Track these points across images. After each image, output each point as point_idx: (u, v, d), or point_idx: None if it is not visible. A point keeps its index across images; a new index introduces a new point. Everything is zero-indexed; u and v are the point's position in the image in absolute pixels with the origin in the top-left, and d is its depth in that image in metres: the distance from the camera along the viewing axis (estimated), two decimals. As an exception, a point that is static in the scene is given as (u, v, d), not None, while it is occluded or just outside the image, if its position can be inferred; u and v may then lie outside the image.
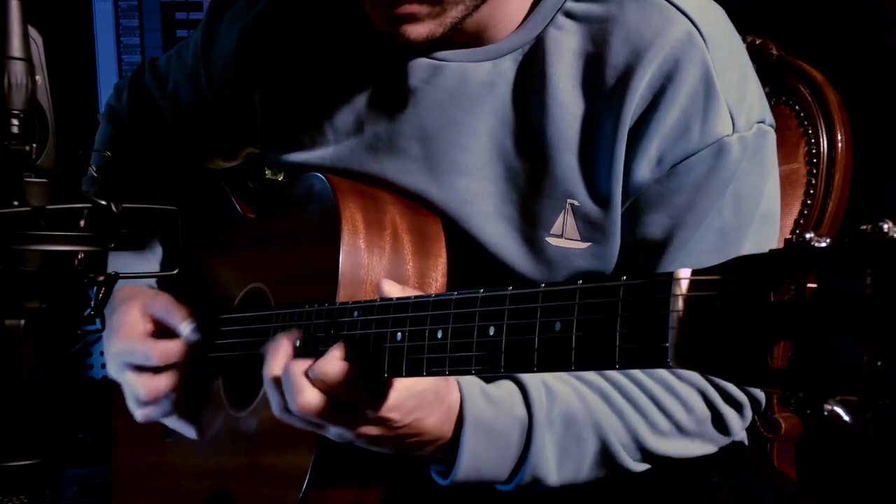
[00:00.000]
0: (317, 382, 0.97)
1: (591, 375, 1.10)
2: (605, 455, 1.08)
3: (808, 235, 0.64)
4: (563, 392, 1.07)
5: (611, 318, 0.76)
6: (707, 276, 0.70)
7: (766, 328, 0.65)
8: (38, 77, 0.86)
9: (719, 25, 1.14)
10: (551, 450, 1.05)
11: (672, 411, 1.10)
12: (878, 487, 2.01)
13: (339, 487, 1.10)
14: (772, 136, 1.15)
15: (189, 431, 1.29)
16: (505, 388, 1.07)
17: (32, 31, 0.86)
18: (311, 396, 0.97)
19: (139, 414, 1.27)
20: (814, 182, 1.50)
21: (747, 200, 1.13)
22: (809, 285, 0.63)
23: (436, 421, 1.02)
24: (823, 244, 0.64)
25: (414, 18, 1.09)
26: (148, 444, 1.42)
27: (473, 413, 1.03)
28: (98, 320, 0.86)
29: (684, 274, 0.71)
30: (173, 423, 1.30)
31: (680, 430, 1.11)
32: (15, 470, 0.87)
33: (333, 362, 0.97)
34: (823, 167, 1.50)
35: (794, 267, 0.64)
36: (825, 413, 0.63)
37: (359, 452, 1.09)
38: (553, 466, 1.06)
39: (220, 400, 1.27)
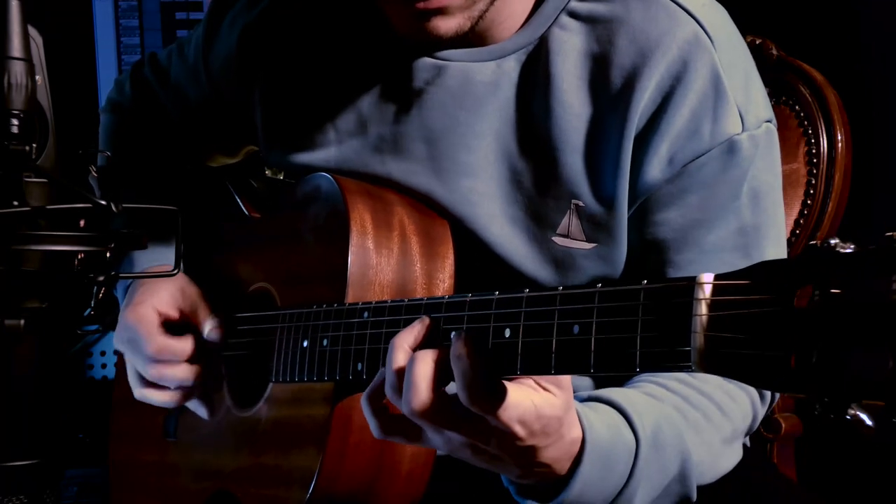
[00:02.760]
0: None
1: (659, 390, 1.06)
2: (676, 484, 1.03)
3: (832, 241, 0.64)
4: (653, 411, 1.02)
5: (631, 322, 0.76)
6: (730, 281, 0.70)
7: (790, 333, 0.65)
8: (38, 77, 0.86)
9: (724, 25, 1.15)
10: (644, 480, 0.99)
11: (736, 420, 1.09)
12: (878, 487, 2.01)
13: (346, 489, 1.09)
14: (777, 136, 1.16)
15: (200, 410, 1.28)
16: (602, 409, 1.00)
17: (32, 31, 0.86)
18: (426, 397, 0.86)
19: (137, 393, 1.26)
20: (814, 182, 1.50)
21: (764, 199, 1.13)
22: (833, 291, 0.63)
23: (554, 455, 0.92)
24: (848, 250, 0.64)
25: (445, 12, 1.09)
26: (148, 442, 1.41)
27: (593, 439, 0.95)
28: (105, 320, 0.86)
29: (707, 278, 0.71)
30: (188, 404, 1.29)
31: (735, 434, 1.10)
32: (15, 470, 0.87)
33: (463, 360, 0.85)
34: (823, 167, 1.50)
35: (819, 273, 0.64)
36: (848, 418, 0.63)
37: (367, 454, 1.09)
38: (639, 494, 1.00)
39: (224, 399, 1.27)
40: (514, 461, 0.91)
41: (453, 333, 0.87)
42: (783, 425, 1.48)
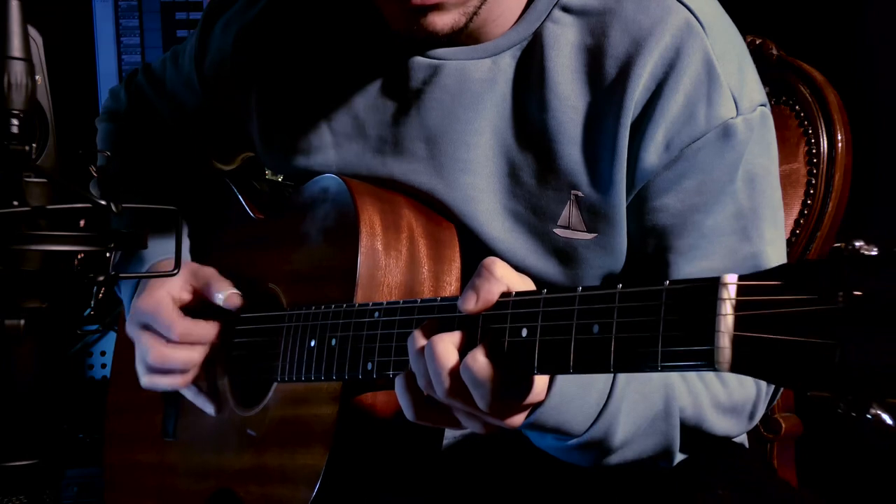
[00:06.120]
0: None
1: None
2: (662, 422, 1.04)
3: (857, 243, 0.66)
4: None
5: (653, 322, 0.76)
6: (754, 282, 0.71)
7: (814, 334, 0.66)
8: (38, 77, 0.86)
9: (715, 13, 1.16)
10: (626, 403, 1.00)
11: (732, 387, 1.10)
12: (878, 487, 2.01)
13: (351, 488, 1.10)
14: (772, 120, 1.17)
15: (207, 407, 1.28)
16: None
17: (32, 31, 0.86)
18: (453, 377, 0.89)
19: (145, 379, 1.26)
20: (814, 182, 1.50)
21: (760, 182, 1.14)
22: (857, 293, 0.65)
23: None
24: (873, 252, 0.65)
25: (440, 8, 1.09)
26: (145, 442, 1.41)
27: None
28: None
29: (731, 279, 0.72)
30: (191, 395, 1.28)
31: (734, 407, 1.11)
32: (15, 470, 0.87)
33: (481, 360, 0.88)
34: (823, 167, 1.50)
35: (843, 274, 0.66)
36: (868, 417, 0.64)
37: (373, 452, 1.08)
38: (622, 420, 1.00)
39: (226, 399, 1.27)
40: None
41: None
42: (783, 425, 1.47)
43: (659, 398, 1.03)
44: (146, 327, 1.24)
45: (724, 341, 0.71)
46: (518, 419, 0.93)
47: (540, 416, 0.94)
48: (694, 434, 1.08)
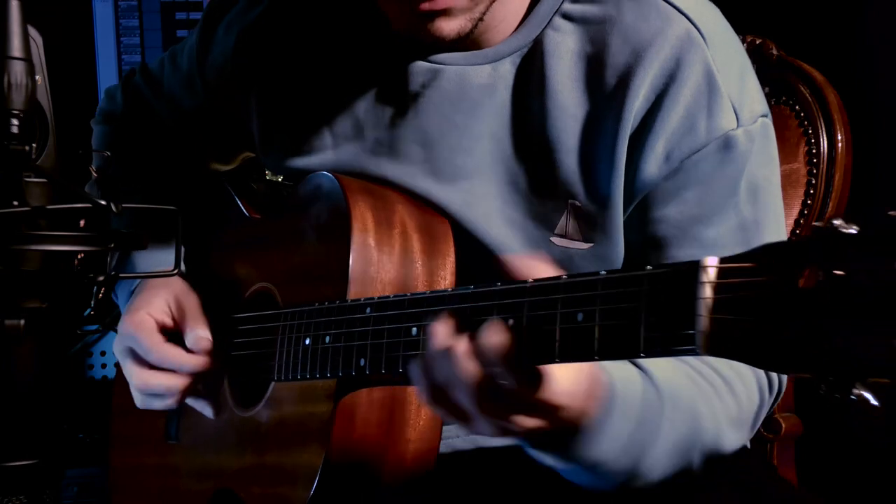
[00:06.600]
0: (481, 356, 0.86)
1: (667, 362, 1.03)
2: (684, 446, 1.02)
3: (835, 222, 0.65)
4: (668, 371, 1.01)
5: (635, 308, 0.76)
6: (734, 264, 0.71)
7: (795, 314, 0.66)
8: (38, 77, 0.86)
9: (717, 23, 1.15)
10: (662, 432, 0.98)
11: (741, 400, 1.09)
12: (878, 487, 2.01)
13: (350, 486, 1.10)
14: (773, 130, 1.17)
15: (206, 410, 1.28)
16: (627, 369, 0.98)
17: (32, 31, 0.86)
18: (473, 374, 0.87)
19: (138, 401, 1.27)
20: (814, 182, 1.50)
21: (763, 193, 1.14)
22: (836, 272, 0.64)
23: (588, 422, 0.93)
24: (852, 231, 0.64)
25: (448, 13, 1.09)
26: (149, 445, 1.41)
27: (622, 394, 0.94)
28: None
29: (711, 262, 0.72)
30: (189, 399, 1.28)
31: (742, 421, 1.10)
32: (15, 470, 0.87)
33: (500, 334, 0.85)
34: (823, 167, 1.50)
35: (822, 254, 0.65)
36: (853, 398, 0.64)
37: (371, 449, 1.09)
38: (658, 447, 0.98)
39: (225, 399, 1.27)
40: (553, 425, 0.90)
41: (485, 322, 0.86)
42: (783, 425, 1.47)
43: (686, 426, 1.01)
44: (130, 351, 1.25)
45: (705, 324, 0.71)
46: (529, 422, 0.89)
47: (576, 451, 0.92)
48: (710, 454, 1.07)
